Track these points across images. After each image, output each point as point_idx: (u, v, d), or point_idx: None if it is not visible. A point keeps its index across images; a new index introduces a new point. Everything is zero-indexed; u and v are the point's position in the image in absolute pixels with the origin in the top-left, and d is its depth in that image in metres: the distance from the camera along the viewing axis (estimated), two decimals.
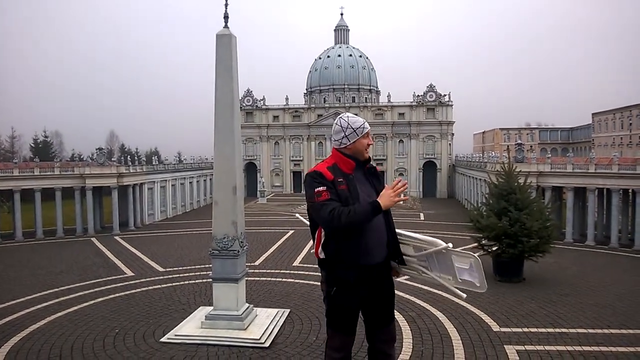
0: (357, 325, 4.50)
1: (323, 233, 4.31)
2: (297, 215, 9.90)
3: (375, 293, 4.37)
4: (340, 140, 4.33)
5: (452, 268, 4.06)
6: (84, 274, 17.82)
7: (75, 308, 12.74)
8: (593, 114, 70.76)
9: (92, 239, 29.37)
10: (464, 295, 4.25)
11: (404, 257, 4.39)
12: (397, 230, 4.38)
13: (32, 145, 70.78)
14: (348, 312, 4.34)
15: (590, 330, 10.82)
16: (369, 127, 4.43)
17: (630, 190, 27.27)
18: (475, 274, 3.97)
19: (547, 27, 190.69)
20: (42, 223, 31.68)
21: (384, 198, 3.99)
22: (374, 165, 4.63)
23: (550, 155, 35.50)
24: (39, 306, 13.05)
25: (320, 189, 4.10)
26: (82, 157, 58.79)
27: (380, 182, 4.45)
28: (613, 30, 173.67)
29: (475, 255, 4.01)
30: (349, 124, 4.31)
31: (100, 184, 33.62)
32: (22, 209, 31.22)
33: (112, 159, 37.94)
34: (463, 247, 22.07)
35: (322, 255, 4.33)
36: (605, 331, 10.82)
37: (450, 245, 4.00)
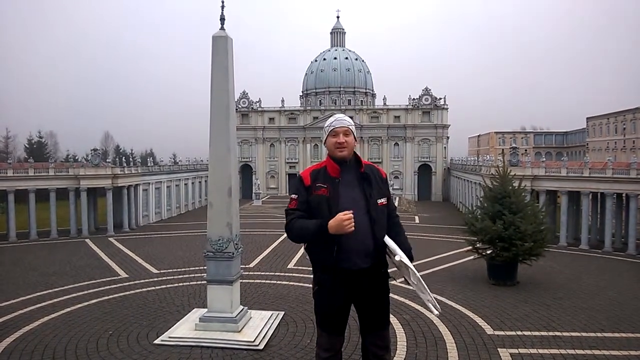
0: (345, 327, 4.52)
1: None
2: None
3: (362, 298, 4.39)
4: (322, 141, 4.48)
5: (413, 280, 4.20)
6: (78, 275, 17.72)
7: (68, 309, 12.68)
8: (588, 118, 71.26)
9: (86, 240, 29.22)
10: (436, 312, 4.26)
11: (397, 267, 4.38)
12: (386, 239, 4.31)
13: (27, 145, 70.32)
14: (329, 312, 4.40)
15: (584, 334, 10.88)
16: (341, 125, 4.26)
17: (624, 195, 27.43)
18: (427, 291, 4.14)
19: (543, 31, 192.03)
20: (36, 224, 31.46)
21: (335, 223, 3.93)
22: (377, 168, 4.55)
23: (544, 159, 35.62)
24: (32, 307, 12.97)
25: (293, 196, 4.34)
26: (76, 158, 58.69)
27: (375, 186, 4.32)
28: (609, 35, 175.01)
29: (418, 273, 4.13)
30: (325, 123, 4.42)
31: (94, 185, 33.48)
32: (16, 210, 31.00)
33: (107, 160, 37.70)
34: (457, 250, 22.15)
35: (307, 257, 4.46)
36: (599, 334, 10.87)
37: (400, 257, 4.08)
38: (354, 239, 4.13)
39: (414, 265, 4.21)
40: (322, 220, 4.04)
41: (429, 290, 4.17)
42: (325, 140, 4.34)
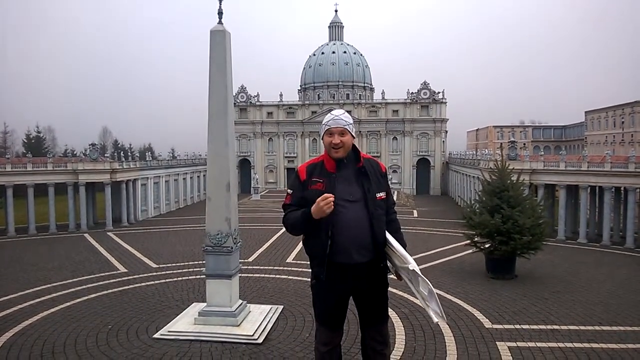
0: (343, 321, 4.51)
1: None
2: None
3: (360, 292, 4.38)
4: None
5: (422, 290, 4.17)
6: (77, 270, 17.73)
7: (68, 304, 12.69)
8: (586, 112, 71.20)
9: (85, 235, 29.20)
10: (436, 320, 4.19)
11: (394, 265, 4.38)
12: (387, 236, 4.32)
13: (25, 140, 70.09)
14: (327, 306, 4.40)
15: (582, 327, 10.93)
16: (337, 126, 4.17)
17: (622, 188, 27.46)
18: (437, 302, 4.10)
19: (542, 26, 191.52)
20: (35, 219, 31.41)
21: (316, 208, 3.98)
22: (377, 162, 4.53)
23: (543, 152, 35.66)
24: (31, 302, 12.98)
25: (289, 191, 4.41)
26: (75, 152, 58.42)
27: (374, 180, 4.30)
28: (607, 29, 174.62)
29: (430, 284, 4.10)
30: (323, 119, 4.37)
31: (93, 179, 33.40)
32: (14, 205, 30.96)
33: (105, 155, 37.65)
34: (456, 244, 22.20)
35: (305, 251, 4.46)
36: (597, 328, 10.93)
37: (413, 267, 4.06)
38: (352, 233, 4.13)
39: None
40: (306, 209, 4.08)
41: (438, 300, 4.12)
42: (322, 138, 4.32)
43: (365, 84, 73.41)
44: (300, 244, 19.55)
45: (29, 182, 31.40)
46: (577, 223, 29.33)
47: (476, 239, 16.85)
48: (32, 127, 72.41)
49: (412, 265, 4.07)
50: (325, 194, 3.97)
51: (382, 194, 4.35)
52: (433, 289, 4.09)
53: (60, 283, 15.37)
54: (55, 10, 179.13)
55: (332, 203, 3.94)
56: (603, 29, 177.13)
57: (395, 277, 4.52)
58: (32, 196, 31.40)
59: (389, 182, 4.83)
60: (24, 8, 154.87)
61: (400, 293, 13.05)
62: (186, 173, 49.64)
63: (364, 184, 4.25)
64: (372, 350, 4.48)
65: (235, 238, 10.56)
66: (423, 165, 63.06)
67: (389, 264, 4.43)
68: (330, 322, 4.43)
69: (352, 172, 4.28)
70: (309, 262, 4.50)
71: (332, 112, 4.35)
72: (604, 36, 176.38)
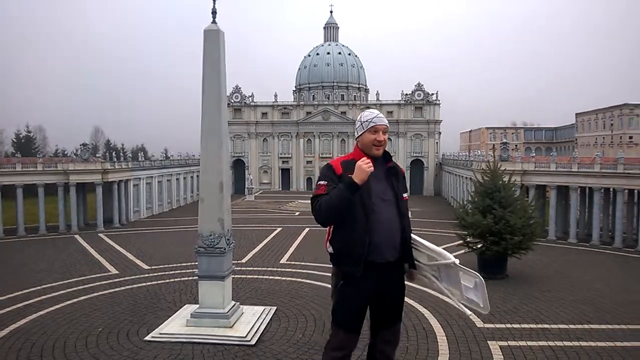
0: (361, 326, 4.43)
1: (332, 227, 4.32)
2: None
3: (383, 291, 4.37)
4: (355, 134, 4.41)
5: (459, 284, 4.14)
6: (67, 271, 17.57)
7: (57, 306, 12.56)
8: (577, 114, 71.84)
9: (75, 236, 28.96)
10: (469, 313, 4.22)
11: (416, 262, 4.39)
12: (412, 235, 4.36)
13: (14, 140, 69.34)
14: (352, 307, 4.32)
15: (571, 326, 11.04)
16: (382, 123, 4.23)
17: (611, 189, 27.78)
18: (479, 294, 4.04)
19: (534, 29, 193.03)
20: (24, 220, 31.06)
21: (356, 171, 3.89)
22: (397, 164, 4.54)
23: (534, 154, 35.96)
24: (20, 304, 12.83)
25: (321, 182, 4.18)
26: (66, 152, 57.99)
27: (400, 181, 4.37)
28: (597, 33, 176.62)
29: (480, 276, 4.03)
30: (361, 117, 4.34)
31: (84, 180, 33.12)
32: (3, 206, 30.62)
33: (97, 155, 37.39)
34: (448, 245, 22.29)
35: (330, 250, 4.34)
36: (586, 326, 11.04)
37: (457, 261, 4.05)
38: (384, 232, 4.15)
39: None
40: (344, 181, 3.96)
41: (485, 291, 4.08)
42: (361, 135, 4.28)
43: (360, 85, 73.59)
44: (295, 245, 19.41)
45: (18, 183, 31.04)
46: (568, 223, 29.59)
47: (468, 239, 16.95)
48: (22, 126, 71.82)
49: (453, 260, 4.06)
50: (363, 158, 3.97)
51: (405, 195, 4.45)
52: (482, 279, 4.03)
53: (50, 285, 15.21)
54: (46, 10, 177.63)
55: (371, 163, 3.90)
56: (593, 33, 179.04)
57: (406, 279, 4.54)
58: (21, 197, 31.05)
59: None
60: (15, 8, 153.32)
61: None
62: (179, 174, 49.40)
63: (393, 183, 4.32)
64: (381, 353, 4.44)
65: (228, 239, 10.52)
66: (417, 166, 63.34)
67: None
68: (351, 324, 4.36)
69: (382, 172, 4.32)
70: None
71: (370, 111, 4.35)
72: (593, 41, 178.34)
